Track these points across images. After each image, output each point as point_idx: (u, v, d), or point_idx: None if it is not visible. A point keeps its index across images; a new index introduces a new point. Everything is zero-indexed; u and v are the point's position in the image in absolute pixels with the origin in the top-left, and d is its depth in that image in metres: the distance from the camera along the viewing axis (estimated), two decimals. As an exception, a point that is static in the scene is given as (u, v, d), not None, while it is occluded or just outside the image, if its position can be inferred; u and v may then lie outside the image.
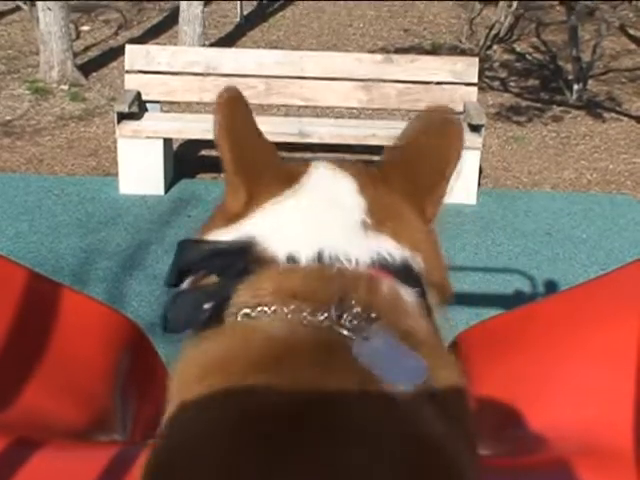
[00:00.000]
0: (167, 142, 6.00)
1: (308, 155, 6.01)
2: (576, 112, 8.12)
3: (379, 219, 0.87)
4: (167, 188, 5.99)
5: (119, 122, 5.75)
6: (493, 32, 9.45)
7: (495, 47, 9.68)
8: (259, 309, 0.80)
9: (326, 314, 0.78)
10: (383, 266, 0.83)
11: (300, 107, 6.91)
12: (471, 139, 5.74)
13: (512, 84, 8.86)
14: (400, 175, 0.92)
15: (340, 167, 0.94)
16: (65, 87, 7.99)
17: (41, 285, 1.36)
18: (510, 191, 6.32)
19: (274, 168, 0.92)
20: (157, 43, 9.05)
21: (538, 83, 8.99)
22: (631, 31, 8.66)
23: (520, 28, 10.17)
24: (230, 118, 0.90)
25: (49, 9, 7.78)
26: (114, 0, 10.32)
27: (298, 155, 6.19)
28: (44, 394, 1.26)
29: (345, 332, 0.76)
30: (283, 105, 7.06)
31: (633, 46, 8.93)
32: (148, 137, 5.77)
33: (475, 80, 6.16)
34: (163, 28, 9.74)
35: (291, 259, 0.82)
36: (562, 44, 9.50)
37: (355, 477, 0.67)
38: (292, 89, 6.20)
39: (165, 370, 1.68)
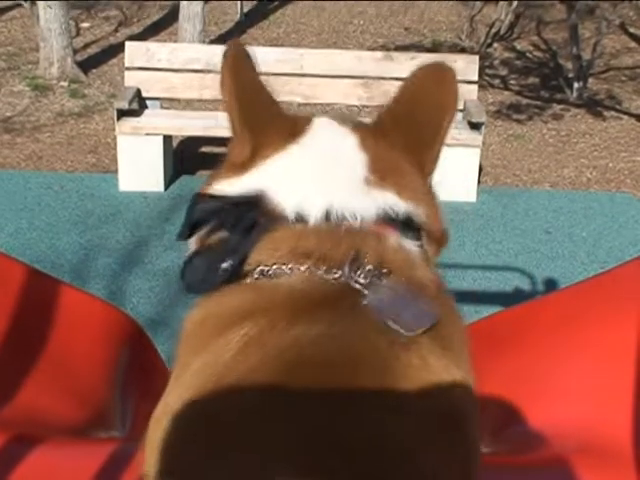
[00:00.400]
0: (167, 139, 6.00)
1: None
2: (576, 110, 8.12)
3: (381, 175, 0.90)
4: (167, 185, 5.98)
5: (119, 119, 5.74)
6: (493, 30, 9.45)
7: (495, 45, 9.68)
8: (276, 268, 0.84)
9: (340, 271, 0.82)
10: (388, 221, 0.87)
11: (300, 104, 6.91)
12: (471, 137, 5.74)
13: (512, 82, 8.86)
14: (399, 130, 0.94)
15: (341, 122, 0.97)
16: (65, 84, 7.99)
17: (40, 282, 1.36)
18: (510, 189, 6.31)
19: (278, 121, 0.94)
20: (157, 40, 9.05)
21: (538, 81, 8.99)
22: (631, 29, 8.66)
23: (520, 26, 10.17)
24: (236, 72, 0.91)
25: (49, 6, 7.78)
26: (114, -3, 10.33)
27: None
28: (43, 391, 1.26)
29: (359, 287, 0.81)
30: (283, 102, 7.02)
31: (633, 44, 8.93)
32: (148, 134, 5.76)
33: (475, 78, 6.15)
34: (163, 25, 9.74)
35: (300, 217, 0.85)
36: (562, 42, 9.51)
37: (380, 418, 0.72)
38: (292, 86, 6.19)
39: (164, 367, 1.68)
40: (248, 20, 10.06)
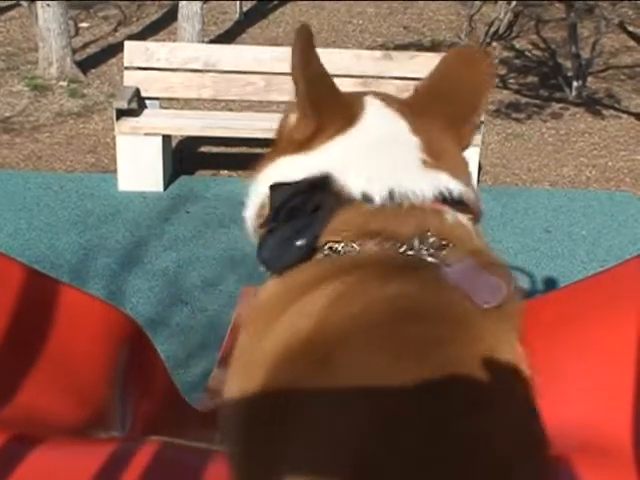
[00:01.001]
0: (166, 139, 5.99)
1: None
2: (575, 109, 8.12)
3: (435, 157, 0.97)
4: (166, 185, 5.98)
5: (118, 119, 5.74)
6: (492, 29, 9.44)
7: (494, 44, 9.68)
8: (344, 245, 0.91)
9: (406, 247, 0.89)
10: (445, 199, 0.94)
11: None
12: (470, 136, 5.73)
13: (511, 81, 8.86)
14: (437, 106, 1.02)
15: (388, 103, 1.04)
16: (64, 83, 7.98)
17: (39, 282, 1.35)
18: (509, 188, 6.31)
19: (338, 103, 1.02)
20: (156, 40, 9.04)
21: (537, 80, 8.99)
22: (630, 28, 8.66)
23: (519, 25, 10.16)
24: (305, 55, 0.99)
25: (48, 5, 7.77)
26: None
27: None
28: (42, 391, 1.26)
29: (433, 260, 0.88)
30: (283, 102, 7.05)
31: (632, 43, 8.93)
32: (147, 134, 5.76)
33: (474, 77, 6.14)
34: (162, 25, 9.73)
35: (366, 197, 0.93)
36: (561, 41, 9.50)
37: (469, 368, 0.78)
38: (292, 85, 6.17)
39: (164, 366, 1.68)
40: (247, 19, 10.05)
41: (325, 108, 0.99)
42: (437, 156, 0.97)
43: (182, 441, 1.29)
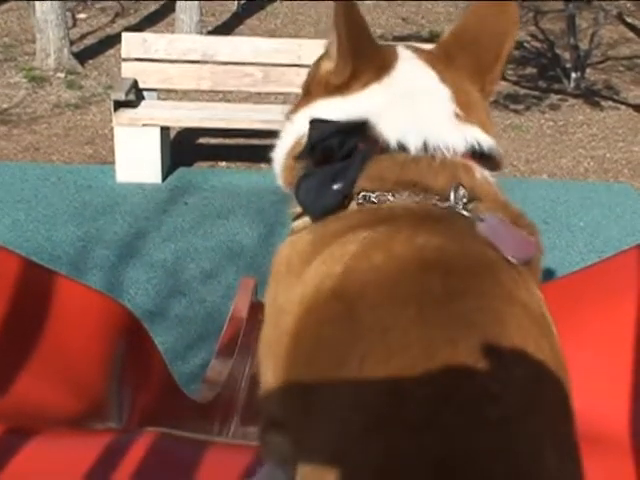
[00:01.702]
0: (164, 130, 5.98)
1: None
2: (574, 100, 8.11)
3: (466, 110, 0.99)
4: (164, 176, 5.97)
5: (116, 110, 5.73)
6: (491, 20, 9.41)
7: (493, 35, 9.65)
8: (379, 194, 0.93)
9: (438, 198, 0.91)
10: (475, 154, 0.97)
11: (297, 95, 6.88)
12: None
13: (510, 72, 8.84)
14: (464, 54, 1.04)
15: (419, 54, 1.06)
16: (62, 75, 7.96)
17: (37, 273, 1.35)
18: (507, 179, 6.27)
19: (374, 51, 1.03)
20: (154, 31, 9.02)
21: (536, 71, 8.98)
22: (629, 19, 8.65)
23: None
24: (349, 5, 0.99)
25: (45, -3, 7.76)
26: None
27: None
28: (40, 382, 1.26)
29: (466, 213, 0.90)
30: (281, 93, 7.04)
31: (631, 34, 8.92)
32: (145, 125, 5.75)
33: (473, 68, 6.14)
34: (160, 16, 9.71)
35: (402, 147, 0.95)
36: (560, 32, 9.49)
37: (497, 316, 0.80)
38: (290, 77, 6.17)
39: (161, 358, 1.68)
40: (245, 11, 10.03)
41: (362, 55, 1.01)
42: (468, 109, 1.00)
43: (179, 432, 1.29)
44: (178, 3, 8.44)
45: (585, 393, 1.23)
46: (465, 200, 0.91)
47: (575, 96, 8.17)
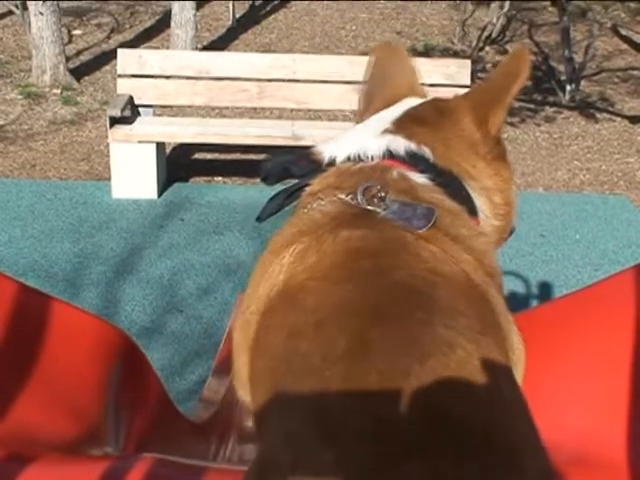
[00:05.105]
0: (160, 146, 5.99)
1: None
2: (569, 113, 8.14)
3: (401, 126, 1.16)
4: (160, 192, 5.98)
5: (111, 126, 5.73)
6: (485, 33, 9.46)
7: (487, 48, 9.69)
8: (314, 201, 1.10)
9: (352, 196, 1.06)
10: (392, 157, 1.12)
11: (293, 110, 6.91)
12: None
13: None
14: (477, 92, 1.21)
15: (425, 98, 1.27)
16: (57, 91, 7.97)
17: (30, 297, 1.35)
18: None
19: (384, 97, 1.27)
20: (149, 46, 9.04)
21: (531, 84, 9.00)
22: (623, 31, 8.67)
23: (512, 29, 10.18)
24: (372, 67, 1.31)
25: (41, 13, 7.76)
26: (106, 0, 10.30)
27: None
28: (35, 408, 1.25)
29: (372, 207, 1.04)
30: (276, 108, 7.06)
31: (625, 46, 8.95)
32: (140, 141, 5.75)
33: (468, 82, 6.16)
34: (155, 31, 9.73)
35: (331, 161, 1.16)
36: (554, 45, 9.52)
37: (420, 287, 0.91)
38: (285, 92, 6.19)
39: (157, 381, 1.67)
40: (240, 26, 10.05)
41: (369, 106, 1.29)
42: (405, 125, 1.16)
43: (176, 458, 1.28)
44: (173, 18, 8.46)
45: (582, 417, 1.23)
46: (375, 196, 1.04)
47: (570, 108, 8.20)
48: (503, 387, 0.83)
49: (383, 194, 1.05)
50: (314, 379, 0.81)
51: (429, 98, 1.25)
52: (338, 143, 1.18)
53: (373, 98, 1.28)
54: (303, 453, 0.76)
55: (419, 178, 1.10)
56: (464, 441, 0.73)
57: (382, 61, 1.35)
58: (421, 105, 1.21)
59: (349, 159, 1.14)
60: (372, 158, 1.12)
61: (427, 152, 1.12)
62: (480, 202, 1.17)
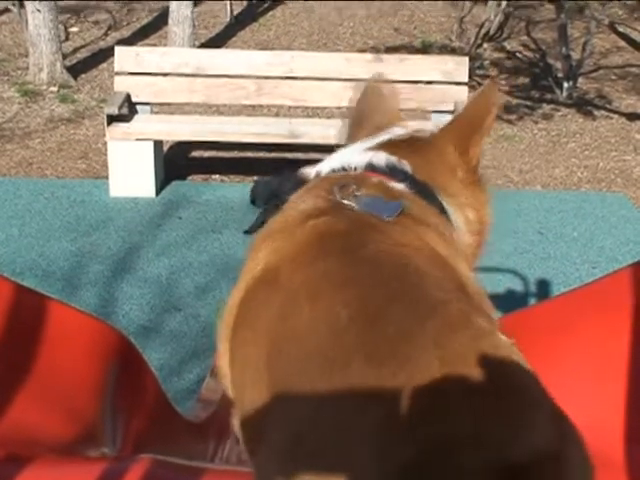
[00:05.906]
0: (157, 144, 5.98)
1: (299, 156, 6.00)
2: (566, 110, 8.13)
3: (382, 145, 1.25)
4: (158, 190, 5.97)
5: (109, 124, 5.72)
6: (483, 30, 9.44)
7: (485, 45, 9.68)
8: (294, 202, 1.19)
9: (332, 193, 1.14)
10: (373, 169, 1.20)
11: (290, 107, 6.90)
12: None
13: (502, 82, 8.86)
14: (457, 125, 1.28)
15: (414, 129, 1.35)
16: (54, 89, 7.96)
17: (27, 298, 1.35)
18: (501, 190, 6.31)
19: (370, 127, 1.35)
20: (147, 44, 9.03)
21: (528, 81, 9.00)
22: (620, 28, 8.67)
23: (510, 26, 10.17)
24: (359, 99, 1.43)
25: (38, 11, 7.75)
26: (103, 0, 10.29)
27: (290, 155, 6.18)
28: (32, 409, 1.25)
29: (347, 202, 1.12)
30: (273, 105, 7.05)
31: (623, 43, 8.94)
32: (138, 139, 5.75)
33: (465, 79, 6.16)
34: (153, 29, 9.71)
35: (317, 174, 1.26)
36: (552, 42, 9.51)
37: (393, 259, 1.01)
38: (282, 89, 6.18)
39: (155, 381, 1.67)
40: (238, 23, 10.04)
41: (357, 133, 1.37)
42: (387, 145, 1.25)
43: (174, 459, 1.28)
44: (171, 16, 8.45)
45: (576, 416, 1.23)
46: (351, 194, 1.12)
47: (568, 106, 8.19)
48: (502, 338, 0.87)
49: (358, 193, 1.13)
50: (325, 357, 0.84)
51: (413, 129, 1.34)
52: (323, 162, 1.27)
53: (358, 130, 1.36)
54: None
55: (397, 185, 1.18)
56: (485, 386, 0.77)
57: (366, 97, 1.44)
58: (406, 133, 1.30)
59: (333, 171, 1.23)
60: (355, 169, 1.21)
61: (407, 166, 1.21)
62: (455, 216, 1.24)
